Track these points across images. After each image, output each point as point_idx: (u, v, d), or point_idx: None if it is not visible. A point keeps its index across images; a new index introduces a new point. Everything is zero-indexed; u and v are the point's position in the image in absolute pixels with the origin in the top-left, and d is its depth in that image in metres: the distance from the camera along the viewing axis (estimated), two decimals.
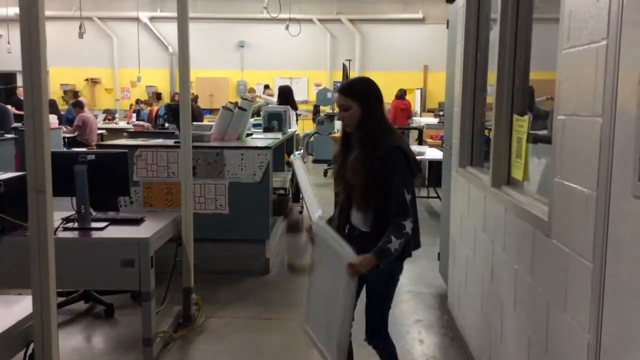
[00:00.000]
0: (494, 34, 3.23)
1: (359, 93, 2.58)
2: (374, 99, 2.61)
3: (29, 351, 2.17)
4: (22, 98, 2.10)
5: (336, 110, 3.56)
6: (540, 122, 2.84)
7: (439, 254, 4.87)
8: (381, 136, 2.56)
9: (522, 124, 2.73)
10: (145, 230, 3.47)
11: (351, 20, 16.13)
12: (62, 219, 3.48)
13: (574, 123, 1.95)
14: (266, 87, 14.38)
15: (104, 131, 12.18)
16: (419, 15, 15.81)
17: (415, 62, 15.78)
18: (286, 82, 16.82)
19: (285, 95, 9.08)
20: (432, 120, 12.11)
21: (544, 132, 2.68)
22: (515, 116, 2.85)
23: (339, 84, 13.21)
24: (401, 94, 13.31)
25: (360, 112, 2.55)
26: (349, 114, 2.57)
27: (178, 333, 3.79)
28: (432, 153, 8.02)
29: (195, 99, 12.78)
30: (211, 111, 14.58)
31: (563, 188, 2.02)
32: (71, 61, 15.77)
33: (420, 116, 13.87)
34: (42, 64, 1.99)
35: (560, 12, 2.06)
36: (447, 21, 4.66)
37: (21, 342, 2.15)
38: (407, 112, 13.27)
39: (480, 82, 3.74)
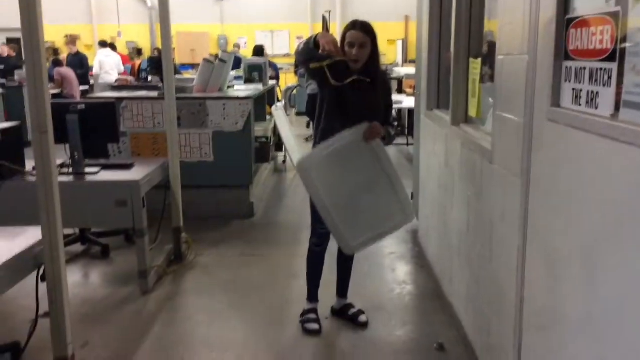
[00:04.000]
0: None
1: (373, 33, 2.94)
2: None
3: (40, 272, 2.47)
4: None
5: None
6: None
7: (412, 193, 5.20)
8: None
9: (476, 66, 3.01)
10: (136, 173, 3.75)
11: None
12: (57, 165, 3.72)
13: (509, 61, 2.24)
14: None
15: (87, 87, 12.24)
16: None
17: (397, 13, 15.76)
18: (267, 36, 16.86)
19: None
20: (412, 70, 12.26)
21: None
22: (470, 59, 3.13)
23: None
24: None
25: (372, 49, 2.93)
26: (365, 51, 2.89)
27: (170, 268, 4.13)
28: (409, 102, 8.27)
29: None
30: (192, 66, 14.60)
31: (502, 119, 2.32)
32: (47, 18, 15.59)
33: (402, 66, 14.01)
34: (39, 20, 2.24)
35: None
36: None
37: (32, 265, 2.44)
38: None
39: (445, 29, 3.99)
